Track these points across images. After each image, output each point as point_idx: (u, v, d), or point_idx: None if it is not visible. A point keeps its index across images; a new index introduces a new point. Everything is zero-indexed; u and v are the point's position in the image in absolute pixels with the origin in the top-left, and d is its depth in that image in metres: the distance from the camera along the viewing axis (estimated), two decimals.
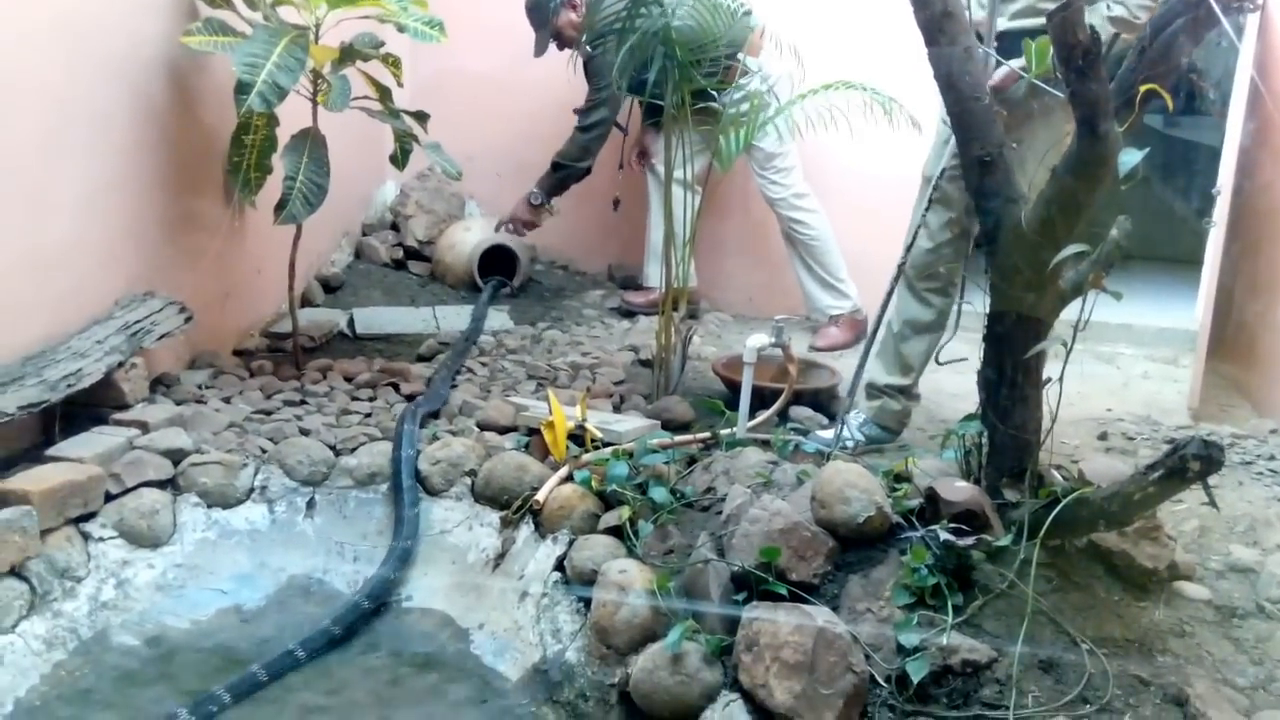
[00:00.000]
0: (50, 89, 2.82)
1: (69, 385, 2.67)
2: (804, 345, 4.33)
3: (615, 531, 2.58)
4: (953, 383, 3.52)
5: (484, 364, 3.86)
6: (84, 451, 2.68)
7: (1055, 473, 2.36)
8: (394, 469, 2.91)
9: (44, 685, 2.31)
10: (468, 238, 4.89)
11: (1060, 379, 2.19)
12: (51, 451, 2.67)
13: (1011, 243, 2.21)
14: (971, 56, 2.32)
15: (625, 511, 2.57)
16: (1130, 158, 1.89)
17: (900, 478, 2.51)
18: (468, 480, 2.91)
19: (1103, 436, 3.34)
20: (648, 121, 4.56)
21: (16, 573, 2.37)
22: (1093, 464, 2.46)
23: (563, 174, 4.62)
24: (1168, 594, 2.17)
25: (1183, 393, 3.88)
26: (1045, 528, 2.07)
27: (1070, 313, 2.14)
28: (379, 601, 2.64)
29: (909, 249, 2.99)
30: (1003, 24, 2.86)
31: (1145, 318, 4.60)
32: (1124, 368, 4.27)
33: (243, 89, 2.96)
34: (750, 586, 2.20)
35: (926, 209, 3.00)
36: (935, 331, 3.13)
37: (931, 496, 2.27)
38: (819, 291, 4.51)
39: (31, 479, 2.49)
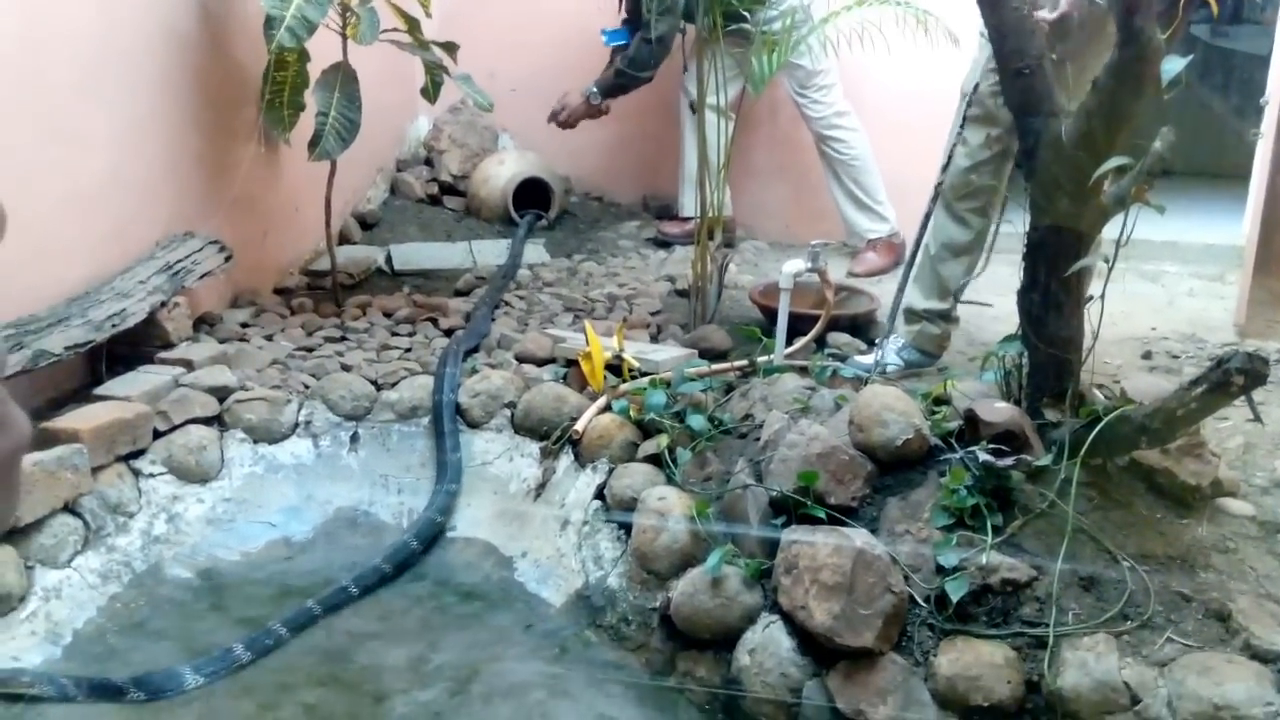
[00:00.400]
0: (84, 27, 2.83)
1: (114, 325, 2.72)
2: (842, 271, 4.29)
3: (654, 460, 2.60)
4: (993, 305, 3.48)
5: (521, 297, 3.86)
6: (131, 390, 2.73)
7: (1097, 392, 2.34)
8: (435, 412, 2.93)
9: (100, 617, 2.38)
10: (501, 171, 4.87)
11: (1102, 297, 2.15)
12: (99, 391, 2.72)
13: (1052, 157, 2.17)
14: None
15: (663, 440, 2.59)
16: (1173, 65, 1.84)
17: (939, 400, 2.50)
18: (507, 412, 2.93)
19: (1146, 355, 3.30)
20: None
21: (70, 509, 2.43)
22: (1135, 382, 2.44)
23: (625, 79, 4.48)
24: (1211, 511, 2.15)
25: (1229, 310, 3.81)
26: (1086, 446, 2.06)
27: (1112, 230, 2.10)
28: (427, 543, 2.67)
29: (944, 168, 2.93)
30: None
31: (1190, 234, 4.49)
32: (1169, 285, 4.20)
33: (272, 24, 2.95)
34: (788, 511, 2.22)
35: (962, 126, 2.94)
36: (973, 253, 3.08)
37: (970, 418, 2.26)
38: (856, 214, 4.46)
39: (81, 418, 2.54)
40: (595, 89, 4.56)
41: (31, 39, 2.64)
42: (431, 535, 2.70)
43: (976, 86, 2.88)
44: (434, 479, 2.85)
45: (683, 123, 4.63)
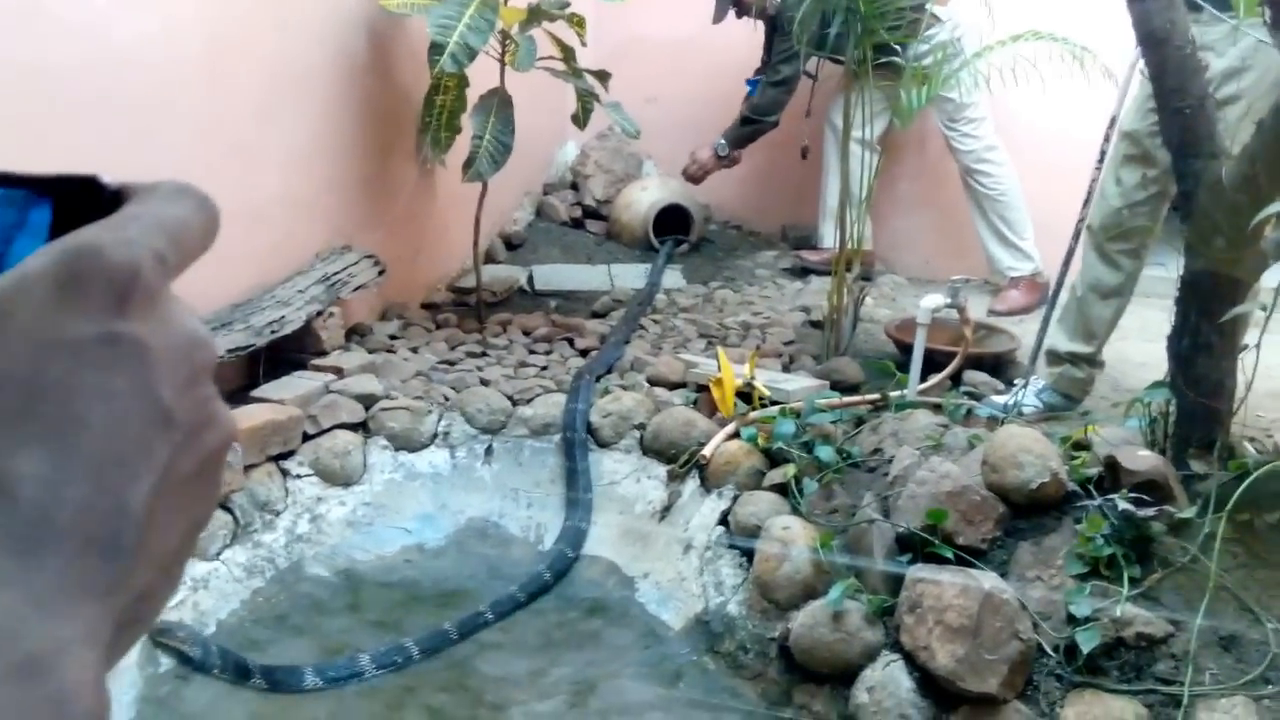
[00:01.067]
0: (262, 52, 3.01)
1: (273, 331, 2.87)
2: (983, 309, 4.21)
3: (780, 489, 2.60)
4: (1140, 350, 3.37)
5: (656, 321, 3.92)
6: (285, 394, 2.87)
7: (1248, 444, 2.24)
8: (566, 450, 2.96)
9: (243, 610, 2.50)
10: (644, 197, 4.95)
11: (1258, 346, 2.07)
12: (256, 393, 2.87)
13: (1211, 200, 2.10)
14: (1174, 4, 2.19)
15: (790, 469, 2.58)
16: None
17: (1079, 445, 2.43)
18: (636, 433, 2.97)
19: None
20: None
21: (223, 504, 2.57)
22: None
23: (751, 127, 4.59)
24: None
25: None
26: (1233, 500, 1.97)
27: (1272, 277, 2.02)
28: (560, 575, 2.70)
29: (1086, 203, 2.86)
30: None
31: None
32: None
33: (436, 50, 3.09)
34: (915, 548, 2.19)
35: (1120, 164, 2.87)
36: (1123, 296, 2.99)
37: (1111, 465, 2.19)
38: (1000, 250, 4.37)
39: (238, 418, 2.68)
40: (724, 141, 4.65)
41: (217, 65, 2.83)
42: (565, 568, 2.72)
43: (1142, 127, 2.81)
44: (563, 498, 2.91)
45: (826, 154, 4.63)
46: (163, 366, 0.30)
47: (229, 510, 2.59)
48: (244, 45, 2.93)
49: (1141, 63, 2.41)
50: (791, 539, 2.36)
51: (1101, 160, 2.96)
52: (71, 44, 2.39)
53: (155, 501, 0.29)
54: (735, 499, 2.64)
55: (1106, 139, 2.98)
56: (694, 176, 4.81)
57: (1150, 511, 2.05)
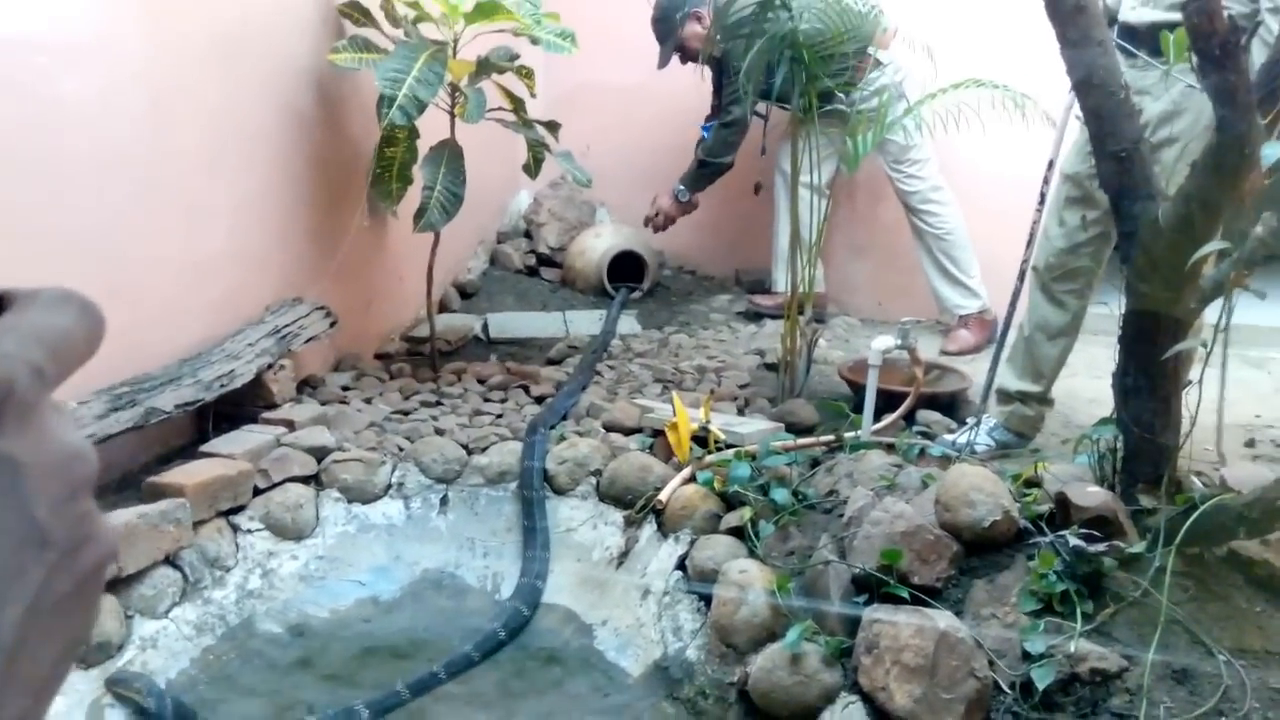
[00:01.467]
0: (209, 105, 3.01)
1: (222, 385, 2.84)
2: (934, 349, 4.26)
3: (737, 532, 2.60)
4: (1089, 388, 3.42)
5: (611, 367, 3.92)
6: (235, 448, 2.84)
7: (1195, 479, 2.28)
8: (524, 511, 2.93)
9: (193, 668, 2.45)
10: (597, 244, 4.97)
11: (1200, 382, 2.11)
12: (205, 448, 2.83)
13: (1149, 240, 2.15)
14: (1107, 51, 2.26)
15: (747, 512, 2.59)
16: (1274, 151, 1.82)
17: (1030, 483, 2.45)
18: (593, 480, 2.97)
19: (1250, 444, 3.19)
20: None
21: (171, 561, 2.52)
22: (1236, 471, 2.37)
23: (708, 169, 4.64)
24: None
25: None
26: (1182, 535, 2.00)
27: (1213, 314, 2.07)
28: (514, 633, 2.64)
29: (1029, 244, 2.92)
30: (1140, 15, 2.77)
31: None
32: (1275, 373, 4.06)
33: (385, 103, 3.10)
34: (871, 589, 2.19)
35: (1063, 206, 2.93)
36: (1069, 335, 3.04)
37: (1062, 501, 2.22)
38: (948, 289, 4.43)
39: (186, 473, 2.65)
40: (682, 186, 4.71)
41: (160, 117, 2.82)
42: (519, 625, 2.66)
43: (1084, 170, 2.88)
44: (520, 552, 2.89)
45: (777, 199, 4.69)
46: (37, 483, 0.29)
47: (178, 567, 2.54)
48: (189, 100, 2.92)
49: (1077, 107, 2.48)
50: (749, 582, 2.36)
51: (1042, 202, 3.03)
52: (9, 102, 2.37)
53: (28, 626, 0.28)
54: (692, 543, 2.64)
55: (1045, 181, 3.05)
56: (658, 225, 4.84)
57: (1101, 547, 2.07)
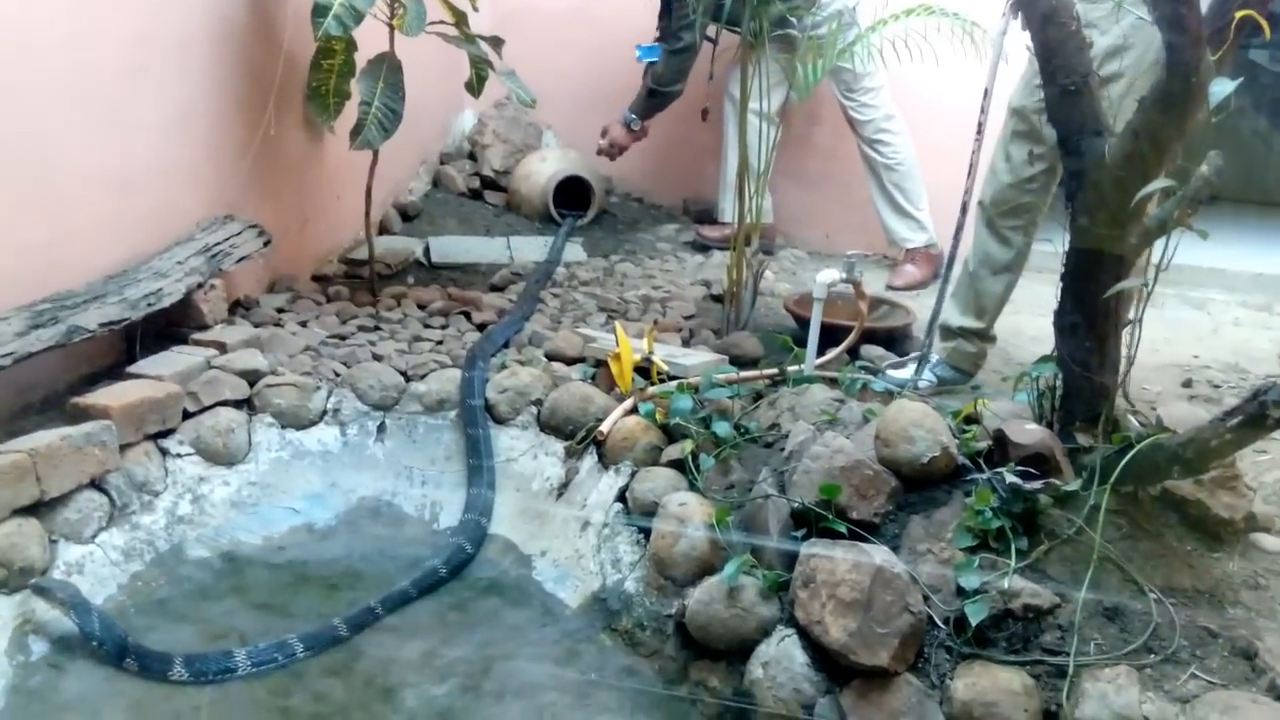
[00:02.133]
0: (135, 10, 2.85)
1: (149, 304, 2.74)
2: (881, 283, 4.26)
3: (677, 465, 2.58)
4: (1032, 325, 3.44)
5: (556, 295, 3.86)
6: (163, 370, 2.75)
7: (1132, 418, 2.29)
8: (469, 448, 2.87)
9: (121, 595, 2.39)
10: (543, 168, 4.87)
11: (1139, 321, 2.12)
12: (132, 369, 2.74)
13: (1095, 177, 2.13)
14: None
15: (688, 445, 2.57)
16: (1222, 88, 1.79)
17: (970, 419, 2.46)
18: (534, 409, 2.93)
19: (1187, 384, 3.24)
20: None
21: (96, 485, 2.45)
22: (1172, 411, 2.38)
23: (658, 99, 4.56)
24: (1243, 545, 2.10)
25: (1275, 340, 3.74)
26: (1117, 473, 2.01)
27: (1154, 253, 2.06)
28: (456, 571, 2.59)
29: (969, 176, 2.90)
30: None
31: (1240, 262, 4.41)
32: (1214, 314, 4.11)
33: (320, 11, 2.98)
34: (810, 524, 2.19)
35: (1009, 141, 2.91)
36: (1013, 271, 3.04)
37: (1000, 438, 2.22)
38: (896, 222, 4.41)
39: (112, 395, 2.56)
40: (632, 114, 4.62)
41: (82, 23, 2.67)
42: (462, 563, 2.61)
43: (1032, 103, 2.85)
44: (461, 482, 2.85)
45: (725, 127, 4.62)
46: None
47: (104, 491, 2.47)
48: (111, 6, 2.77)
49: (1028, 38, 2.44)
50: (688, 515, 2.35)
51: (979, 133, 2.99)
52: None
53: None
54: (633, 475, 2.62)
55: (983, 111, 3.01)
56: (609, 154, 4.76)
57: (1037, 484, 2.08)
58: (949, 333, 3.16)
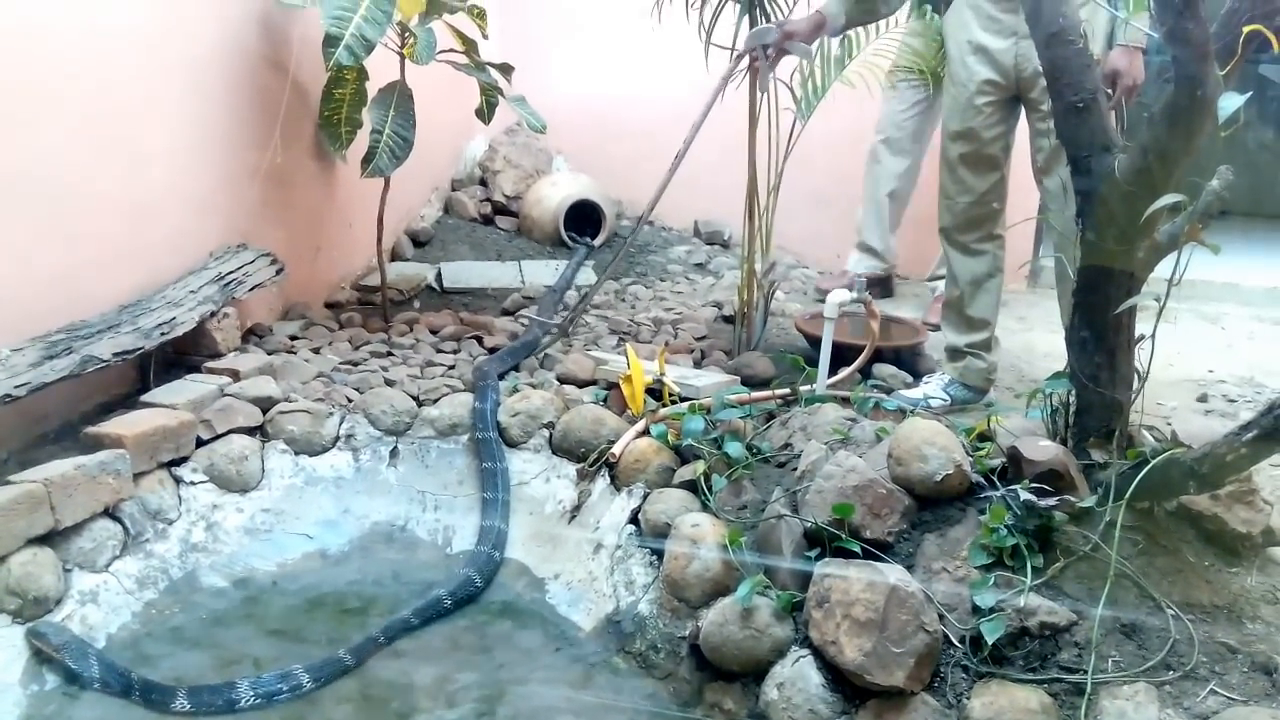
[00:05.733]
0: (146, 41, 2.89)
1: (163, 333, 2.76)
2: (890, 304, 4.25)
3: (690, 486, 2.57)
4: (1044, 341, 3.43)
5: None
6: (177, 398, 2.76)
7: (1146, 433, 2.27)
8: (484, 480, 2.85)
9: (135, 623, 2.40)
10: (554, 193, 4.89)
11: (1152, 336, 2.10)
12: (145, 397, 2.76)
13: (1105, 193, 2.12)
14: None
15: (700, 466, 2.56)
16: (1231, 103, 1.79)
17: (983, 437, 2.44)
18: (546, 432, 2.93)
19: (1202, 398, 3.22)
20: None
21: (110, 514, 2.46)
22: (1187, 425, 2.36)
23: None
24: (1261, 560, 2.07)
25: None
26: (1132, 489, 1.99)
27: (1166, 269, 2.05)
28: (461, 603, 2.56)
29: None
30: None
31: (1253, 277, 4.40)
32: (1229, 328, 4.10)
33: (331, 42, 3.00)
34: (823, 543, 2.18)
35: (956, 164, 3.04)
36: (997, 275, 3.13)
37: (1014, 456, 2.21)
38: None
39: (125, 424, 2.58)
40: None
41: (98, 54, 2.71)
42: (469, 595, 2.58)
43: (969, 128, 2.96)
44: (474, 506, 2.85)
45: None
46: None
47: (118, 520, 2.48)
48: (126, 36, 2.81)
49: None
50: (701, 536, 2.34)
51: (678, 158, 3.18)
52: None
53: None
54: (645, 497, 2.61)
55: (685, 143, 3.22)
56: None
57: (1052, 501, 2.06)
58: (956, 353, 3.16)
